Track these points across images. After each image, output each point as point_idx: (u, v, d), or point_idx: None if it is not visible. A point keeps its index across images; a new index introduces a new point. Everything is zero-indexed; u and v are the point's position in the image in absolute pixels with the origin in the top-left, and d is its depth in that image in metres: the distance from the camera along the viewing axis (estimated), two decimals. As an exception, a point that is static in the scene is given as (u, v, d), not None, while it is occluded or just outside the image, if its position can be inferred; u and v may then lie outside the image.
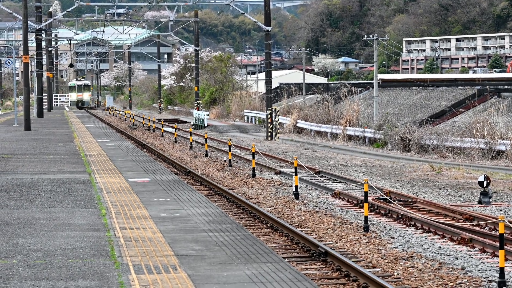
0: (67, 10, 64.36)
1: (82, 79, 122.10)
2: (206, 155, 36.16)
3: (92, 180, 19.03)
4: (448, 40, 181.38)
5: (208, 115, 67.27)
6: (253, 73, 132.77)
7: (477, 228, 17.57)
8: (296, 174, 23.01)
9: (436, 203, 21.03)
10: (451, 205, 21.07)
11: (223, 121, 74.37)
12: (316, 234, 17.49)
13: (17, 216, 13.92)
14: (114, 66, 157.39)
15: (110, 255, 10.71)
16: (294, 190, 22.83)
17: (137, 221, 13.37)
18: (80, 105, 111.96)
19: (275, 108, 49.68)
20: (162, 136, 50.66)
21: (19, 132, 39.89)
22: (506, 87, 73.30)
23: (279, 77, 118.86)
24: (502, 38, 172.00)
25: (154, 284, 9.17)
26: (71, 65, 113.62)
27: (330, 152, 40.57)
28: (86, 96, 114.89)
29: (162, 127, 53.98)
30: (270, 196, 23.43)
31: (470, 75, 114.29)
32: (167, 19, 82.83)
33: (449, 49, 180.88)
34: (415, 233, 17.40)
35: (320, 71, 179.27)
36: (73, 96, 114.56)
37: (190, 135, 42.81)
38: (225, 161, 33.37)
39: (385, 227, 18.08)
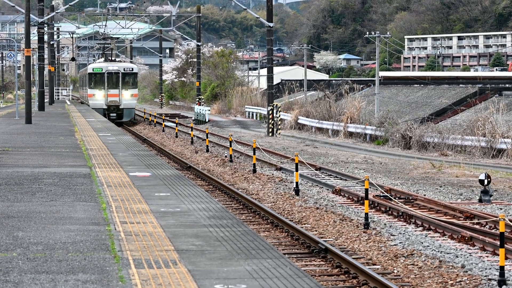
0: (70, 3, 64.41)
1: (118, 61, 67.02)
2: (207, 150, 36.16)
3: (93, 174, 19.00)
4: (450, 38, 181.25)
5: (209, 110, 67.22)
6: (255, 69, 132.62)
7: (477, 226, 17.56)
8: (296, 170, 23.01)
9: (436, 201, 21.02)
10: (451, 203, 21.06)
11: (224, 116, 74.34)
12: (316, 231, 17.48)
13: (17, 209, 13.90)
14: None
15: (110, 249, 10.69)
16: (294, 186, 22.83)
17: (138, 216, 13.36)
18: (114, 116, 56.74)
19: (277, 104, 49.65)
20: (163, 131, 50.65)
21: (20, 125, 39.86)
22: (507, 85, 73.38)
23: (281, 73, 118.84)
24: (504, 36, 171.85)
25: (154, 278, 9.15)
26: (73, 59, 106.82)
27: (331, 149, 40.56)
28: (127, 96, 57.75)
29: (163, 121, 53.95)
30: (270, 192, 23.42)
31: (471, 73, 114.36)
32: (169, 14, 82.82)
33: (450, 47, 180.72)
34: (416, 231, 17.40)
35: (321, 67, 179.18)
36: (99, 96, 58.16)
37: (191, 130, 42.83)
38: (226, 156, 33.37)
39: (385, 224, 18.07)
